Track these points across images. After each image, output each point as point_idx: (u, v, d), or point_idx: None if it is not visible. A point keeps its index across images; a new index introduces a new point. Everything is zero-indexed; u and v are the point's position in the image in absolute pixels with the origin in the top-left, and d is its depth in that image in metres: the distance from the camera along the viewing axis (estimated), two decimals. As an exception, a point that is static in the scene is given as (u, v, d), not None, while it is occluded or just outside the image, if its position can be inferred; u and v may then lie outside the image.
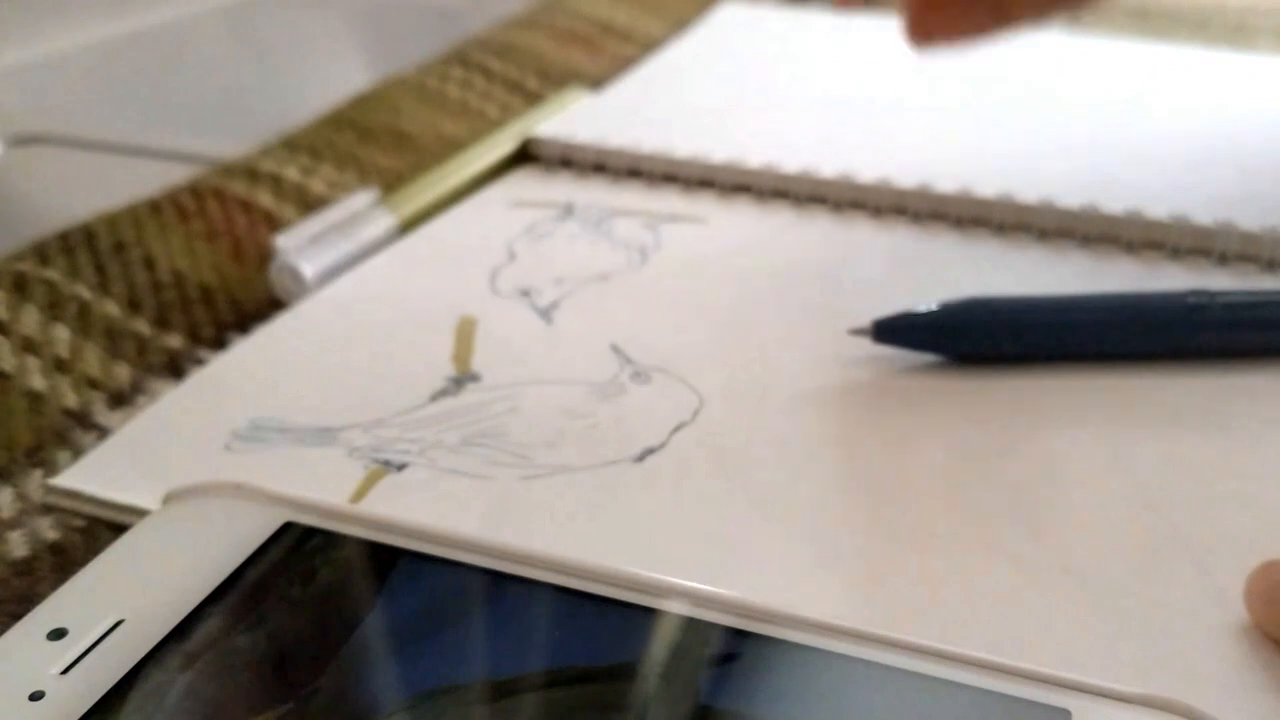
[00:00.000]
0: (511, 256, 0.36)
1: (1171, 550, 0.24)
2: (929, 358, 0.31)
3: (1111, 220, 0.36)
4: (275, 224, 0.38)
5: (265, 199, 0.39)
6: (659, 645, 0.19)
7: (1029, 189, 0.37)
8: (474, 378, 0.30)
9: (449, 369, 0.31)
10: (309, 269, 0.34)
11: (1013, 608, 0.23)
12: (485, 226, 0.39)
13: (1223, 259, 0.35)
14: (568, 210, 0.40)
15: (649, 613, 0.19)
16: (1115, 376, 0.30)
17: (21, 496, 0.26)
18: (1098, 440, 0.28)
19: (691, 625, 0.19)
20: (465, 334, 0.32)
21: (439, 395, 0.29)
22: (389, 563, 0.20)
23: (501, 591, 0.20)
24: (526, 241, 0.37)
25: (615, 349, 0.31)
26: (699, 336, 0.32)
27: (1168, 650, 0.22)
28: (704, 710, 0.18)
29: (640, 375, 0.30)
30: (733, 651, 0.18)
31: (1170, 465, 0.27)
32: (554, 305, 0.34)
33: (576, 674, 0.19)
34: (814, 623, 0.19)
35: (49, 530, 0.25)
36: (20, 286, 0.33)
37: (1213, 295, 0.31)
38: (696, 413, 0.29)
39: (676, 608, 0.19)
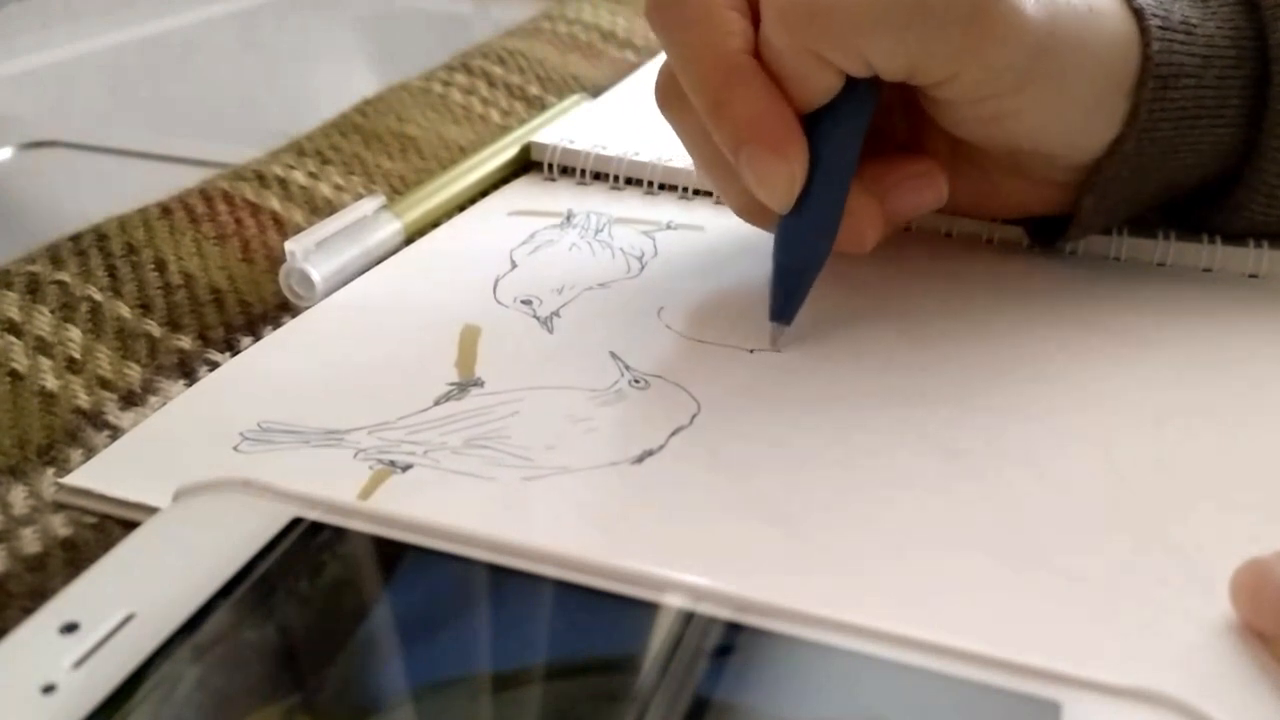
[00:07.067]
0: (513, 265, 0.37)
1: (1159, 545, 0.25)
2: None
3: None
4: (283, 226, 0.38)
5: (273, 202, 0.39)
6: (658, 638, 0.19)
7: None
8: (477, 383, 0.31)
9: (452, 374, 0.31)
10: (318, 274, 0.35)
11: (1004, 602, 0.23)
12: (487, 235, 0.39)
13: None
14: (568, 219, 0.40)
15: (648, 606, 0.19)
16: (1104, 372, 0.31)
17: (34, 494, 0.27)
18: (1087, 436, 0.28)
19: (689, 619, 0.19)
20: (469, 341, 0.33)
21: (443, 399, 0.30)
22: (395, 558, 0.21)
23: (505, 586, 0.20)
24: (527, 250, 0.38)
25: (614, 356, 0.32)
26: (697, 343, 0.33)
27: (1156, 644, 0.22)
28: (701, 701, 0.18)
29: (639, 381, 0.31)
30: (729, 644, 0.19)
31: (1159, 461, 0.28)
32: (555, 314, 0.34)
33: (578, 666, 0.19)
34: (808, 616, 0.19)
35: (61, 527, 0.26)
36: (33, 288, 0.34)
37: None
38: (694, 417, 0.29)
39: (675, 601, 0.19)
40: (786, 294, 0.32)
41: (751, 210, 0.33)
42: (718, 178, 0.34)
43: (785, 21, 0.29)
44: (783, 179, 0.30)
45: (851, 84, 0.30)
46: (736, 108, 0.30)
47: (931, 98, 0.32)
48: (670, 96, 0.33)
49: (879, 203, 0.33)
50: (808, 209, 0.31)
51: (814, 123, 0.31)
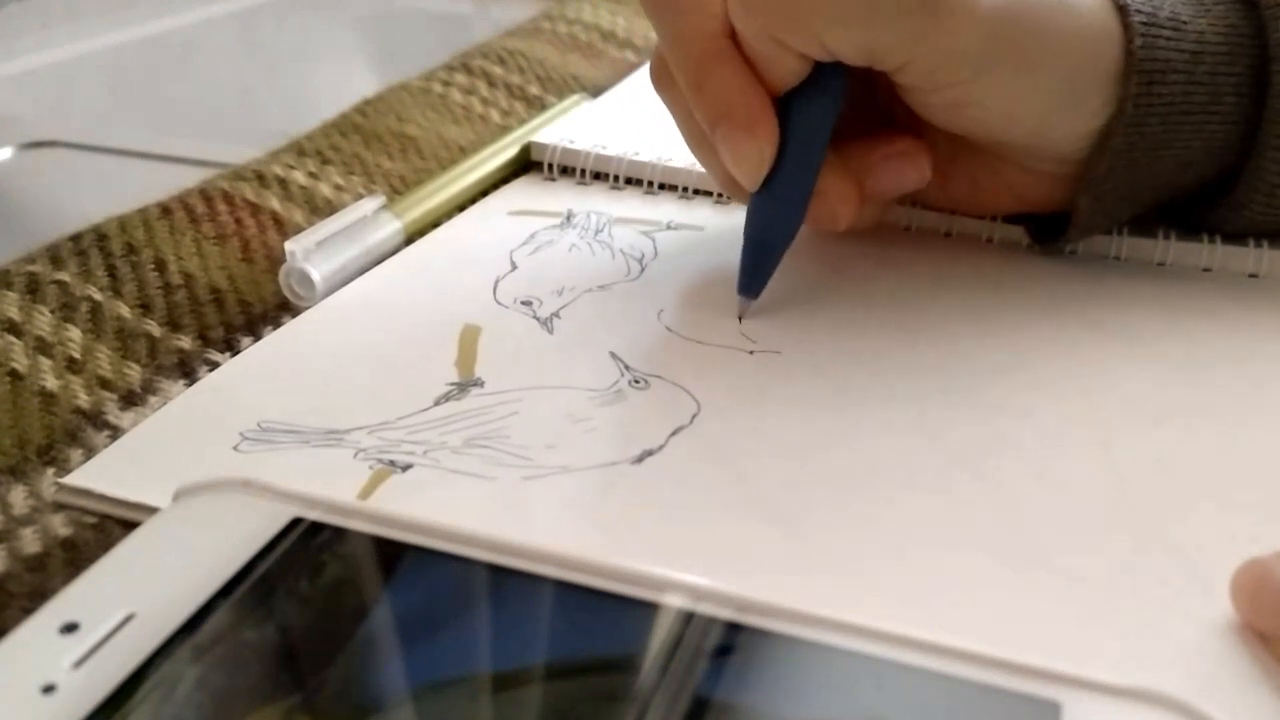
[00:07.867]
0: (513, 266, 0.37)
1: (1159, 545, 0.25)
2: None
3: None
4: (283, 226, 0.38)
5: (273, 202, 0.39)
6: (658, 638, 0.19)
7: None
8: (477, 383, 0.31)
9: (452, 374, 0.31)
10: (318, 274, 0.35)
11: (1004, 602, 0.23)
12: (488, 235, 0.39)
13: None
14: (568, 219, 0.40)
15: (648, 606, 0.19)
16: (1104, 372, 0.31)
17: (34, 494, 0.27)
18: (1087, 436, 0.28)
19: (689, 619, 0.19)
20: (469, 341, 0.33)
21: (443, 399, 0.30)
22: (395, 557, 0.21)
23: (505, 586, 0.20)
24: (527, 251, 0.38)
25: (614, 356, 0.32)
26: (697, 344, 0.33)
27: (1156, 644, 0.22)
28: (701, 701, 0.18)
29: (639, 381, 0.31)
30: (729, 644, 0.19)
31: (1159, 461, 0.28)
32: (555, 315, 0.34)
33: (578, 666, 0.19)
34: (808, 616, 0.19)
35: (61, 527, 0.26)
36: (33, 288, 0.34)
37: None
38: (694, 417, 0.29)
39: (675, 601, 0.19)
40: (754, 267, 0.34)
41: (730, 184, 0.35)
42: (701, 152, 0.35)
43: (746, 8, 0.31)
44: (752, 157, 0.32)
45: (820, 67, 0.31)
46: (713, 87, 0.31)
47: (898, 84, 0.32)
48: (661, 75, 0.34)
49: (856, 182, 0.34)
50: (777, 186, 0.32)
51: (786, 104, 0.32)
